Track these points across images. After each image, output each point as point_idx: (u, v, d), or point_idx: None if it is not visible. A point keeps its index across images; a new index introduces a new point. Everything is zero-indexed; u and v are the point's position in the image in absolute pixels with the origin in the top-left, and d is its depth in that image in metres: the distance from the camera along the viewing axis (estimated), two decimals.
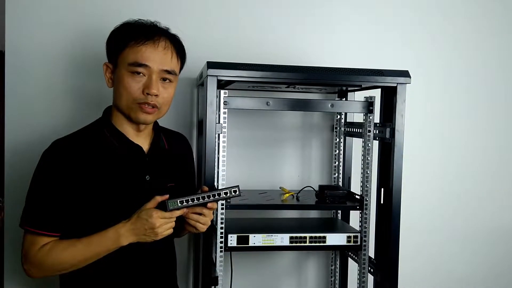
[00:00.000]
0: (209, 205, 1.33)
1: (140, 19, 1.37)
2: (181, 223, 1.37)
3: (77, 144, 1.32)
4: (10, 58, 1.80)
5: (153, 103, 1.31)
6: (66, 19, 1.84)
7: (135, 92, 1.29)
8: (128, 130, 1.36)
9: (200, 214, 1.34)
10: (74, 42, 1.85)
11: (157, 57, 1.30)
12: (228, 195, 1.35)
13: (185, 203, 1.29)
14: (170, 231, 1.30)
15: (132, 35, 1.31)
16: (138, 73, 1.29)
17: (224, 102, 1.53)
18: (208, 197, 1.32)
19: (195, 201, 1.31)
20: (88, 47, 1.85)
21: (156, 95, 1.30)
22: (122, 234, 1.26)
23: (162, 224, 1.26)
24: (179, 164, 1.51)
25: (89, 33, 1.86)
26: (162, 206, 1.28)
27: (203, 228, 1.36)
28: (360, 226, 1.68)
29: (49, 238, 1.28)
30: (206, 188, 1.41)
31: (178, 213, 1.29)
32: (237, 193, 1.36)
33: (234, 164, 1.97)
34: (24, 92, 1.82)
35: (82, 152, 1.30)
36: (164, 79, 1.33)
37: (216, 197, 1.33)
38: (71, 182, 1.27)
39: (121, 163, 1.33)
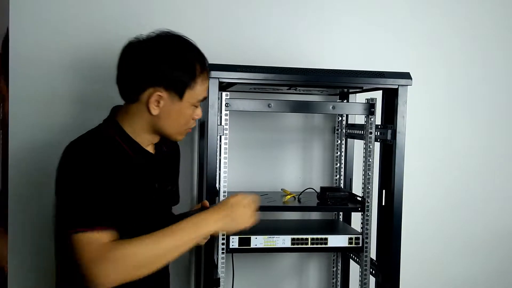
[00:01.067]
0: None
1: (188, 38, 1.29)
2: None
3: (96, 148, 1.22)
4: (14, 61, 1.81)
5: None
6: (69, 23, 1.85)
7: (190, 120, 1.30)
8: (144, 140, 1.30)
9: None
10: (77, 45, 1.85)
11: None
12: None
13: None
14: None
15: (199, 70, 1.26)
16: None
17: (225, 104, 1.53)
18: None
19: None
20: (91, 50, 1.86)
21: None
22: (213, 220, 1.21)
23: (251, 214, 1.26)
24: (174, 164, 1.50)
25: (92, 36, 1.86)
26: None
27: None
28: (361, 228, 1.68)
29: (106, 234, 1.12)
30: (206, 203, 1.39)
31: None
32: None
33: (235, 166, 1.96)
34: (28, 95, 1.82)
35: (103, 157, 1.21)
36: None
37: None
38: (106, 180, 1.17)
39: (135, 171, 1.27)
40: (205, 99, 1.31)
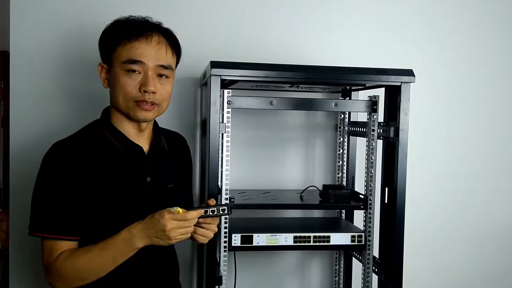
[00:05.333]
0: (200, 220, 1.26)
1: (131, 16, 1.35)
2: None
3: (78, 145, 1.29)
4: (14, 58, 1.81)
5: (151, 100, 1.28)
6: (69, 20, 1.85)
7: (132, 90, 1.26)
8: (129, 130, 1.34)
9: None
10: (78, 43, 1.85)
11: (151, 52, 1.28)
12: (216, 213, 1.27)
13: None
14: (185, 236, 1.23)
15: (124, 32, 1.29)
16: (134, 70, 1.26)
17: (227, 101, 1.52)
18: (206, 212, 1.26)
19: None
20: (91, 48, 1.84)
21: (154, 92, 1.27)
22: (135, 235, 1.21)
23: (174, 227, 1.19)
24: (178, 165, 1.49)
25: (92, 34, 1.84)
26: None
27: (203, 240, 1.32)
28: (364, 226, 1.67)
29: (67, 243, 1.24)
30: (213, 201, 1.33)
31: (191, 215, 1.22)
32: (225, 211, 1.28)
33: (237, 164, 1.96)
34: (29, 91, 1.82)
35: (84, 153, 1.27)
36: (160, 75, 1.30)
37: (209, 213, 1.26)
38: (76, 183, 1.24)
39: (122, 164, 1.31)
40: (135, 62, 1.26)
